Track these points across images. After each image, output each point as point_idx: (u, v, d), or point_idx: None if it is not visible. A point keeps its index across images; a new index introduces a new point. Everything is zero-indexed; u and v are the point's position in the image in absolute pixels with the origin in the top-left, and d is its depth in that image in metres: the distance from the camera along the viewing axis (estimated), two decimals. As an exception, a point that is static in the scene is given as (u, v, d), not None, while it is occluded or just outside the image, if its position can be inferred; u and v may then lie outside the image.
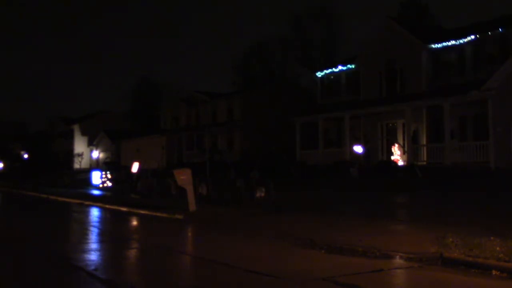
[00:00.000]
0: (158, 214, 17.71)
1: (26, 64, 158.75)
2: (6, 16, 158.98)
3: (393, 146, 27.47)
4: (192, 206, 16.97)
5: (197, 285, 7.81)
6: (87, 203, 24.21)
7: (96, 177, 35.67)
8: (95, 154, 59.05)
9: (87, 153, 62.42)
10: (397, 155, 26.75)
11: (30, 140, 74.63)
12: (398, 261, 8.92)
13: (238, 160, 37.16)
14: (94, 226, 16.21)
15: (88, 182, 36.29)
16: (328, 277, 7.72)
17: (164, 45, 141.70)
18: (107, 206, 22.20)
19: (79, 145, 64.32)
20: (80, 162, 62.29)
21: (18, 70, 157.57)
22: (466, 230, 10.65)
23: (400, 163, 26.42)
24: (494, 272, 7.69)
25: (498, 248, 8.52)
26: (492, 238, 9.37)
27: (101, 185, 34.54)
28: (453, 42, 27.65)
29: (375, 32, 32.23)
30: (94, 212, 20.72)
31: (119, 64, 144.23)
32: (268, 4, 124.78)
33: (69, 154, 64.52)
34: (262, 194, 20.77)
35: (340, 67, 34.28)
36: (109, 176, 34.97)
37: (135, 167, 28.38)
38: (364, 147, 29.28)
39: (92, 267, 8.87)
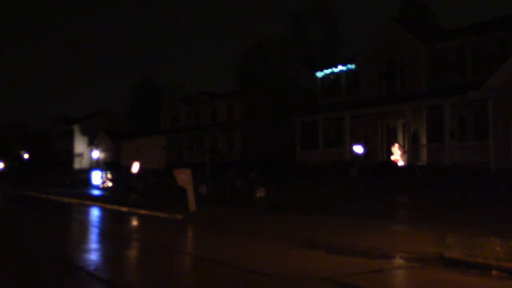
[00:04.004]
0: (158, 214, 17.71)
1: (26, 64, 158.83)
2: (6, 15, 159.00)
3: (393, 146, 27.41)
4: (192, 206, 16.97)
5: (197, 285, 7.82)
6: (87, 203, 24.23)
7: (96, 177, 35.70)
8: (95, 154, 59.07)
9: (87, 153, 62.45)
10: (397, 155, 26.70)
11: (30, 140, 74.67)
12: (398, 261, 8.92)
13: (238, 160, 37.16)
14: (94, 226, 16.22)
15: (88, 182, 36.32)
16: (328, 277, 7.72)
17: (164, 45, 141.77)
18: (107, 206, 22.21)
19: (79, 145, 64.34)
20: (80, 162, 62.29)
21: (18, 70, 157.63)
22: (466, 230, 10.66)
23: (400, 163, 26.37)
24: (494, 272, 7.69)
25: (498, 248, 8.52)
26: (492, 238, 9.37)
27: (101, 185, 34.56)
28: (453, 42, 27.65)
29: (375, 32, 32.21)
30: (94, 212, 20.73)
31: (119, 64, 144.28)
32: (268, 4, 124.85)
33: (69, 154, 64.52)
34: (262, 194, 20.75)
35: (340, 67, 34.27)
36: (109, 176, 35.00)
37: (135, 167, 28.37)
38: (364, 147, 29.26)
39: (92, 267, 8.88)
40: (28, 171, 59.37)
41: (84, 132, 64.22)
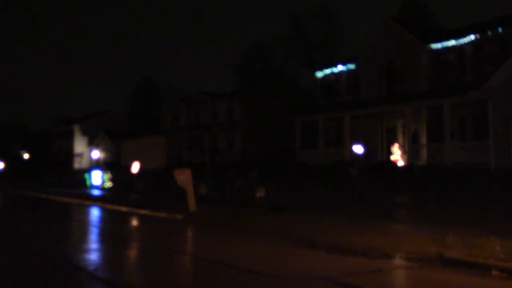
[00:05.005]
0: (158, 214, 17.72)
1: (26, 63, 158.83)
2: (6, 15, 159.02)
3: (393, 146, 27.43)
4: (192, 206, 16.97)
5: (197, 285, 7.82)
6: (87, 203, 24.23)
7: (96, 177, 35.69)
8: (95, 154, 59.15)
9: (87, 153, 62.47)
10: (397, 155, 26.70)
11: (30, 140, 74.67)
12: (398, 261, 8.92)
13: (238, 160, 37.15)
14: (94, 226, 16.22)
15: (88, 182, 36.32)
16: (328, 277, 7.73)
17: (165, 45, 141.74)
18: (107, 206, 22.20)
19: (79, 145, 64.34)
20: (80, 162, 62.28)
21: (18, 70, 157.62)
22: (466, 230, 10.66)
23: (400, 163, 26.38)
24: (494, 272, 7.70)
25: (498, 248, 8.53)
26: (492, 238, 9.37)
27: (101, 185, 34.56)
28: (453, 42, 27.65)
29: (375, 32, 32.20)
30: (94, 212, 20.73)
31: (119, 64, 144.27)
32: (269, 4, 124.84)
33: (69, 154, 64.53)
34: (262, 194, 20.77)
35: (340, 67, 34.26)
36: (109, 176, 35.00)
37: (135, 167, 28.38)
38: (364, 147, 29.25)
39: (92, 267, 8.88)
40: (28, 171, 59.36)
41: (84, 132, 64.23)
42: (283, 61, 61.66)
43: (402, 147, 27.29)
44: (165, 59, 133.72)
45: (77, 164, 63.07)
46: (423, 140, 27.57)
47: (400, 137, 29.38)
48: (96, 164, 56.32)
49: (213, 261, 9.25)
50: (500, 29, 25.80)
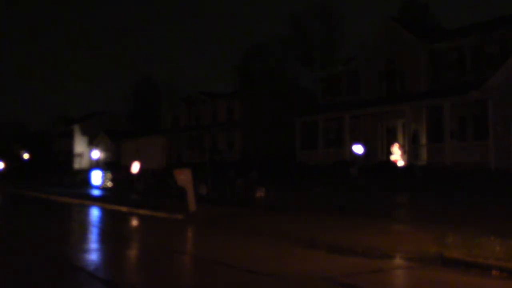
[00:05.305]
0: (158, 214, 17.71)
1: (26, 63, 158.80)
2: (5, 15, 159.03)
3: (392, 146, 27.46)
4: (192, 206, 16.97)
5: (197, 285, 7.82)
6: (87, 203, 24.22)
7: (96, 177, 35.68)
8: (95, 154, 59.10)
9: (87, 153, 62.46)
10: (397, 155, 26.73)
11: (30, 140, 74.63)
12: (398, 261, 8.92)
13: (238, 160, 37.16)
14: (94, 226, 16.22)
15: (88, 182, 36.31)
16: (328, 277, 7.73)
17: (164, 45, 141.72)
18: (107, 206, 22.20)
19: (79, 145, 64.32)
20: (80, 162, 62.28)
21: (19, 70, 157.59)
22: (466, 230, 10.66)
23: (400, 163, 26.40)
24: (494, 272, 7.70)
25: (498, 248, 8.53)
26: (492, 238, 9.37)
27: (101, 185, 34.56)
28: (453, 42, 27.64)
29: (375, 32, 32.21)
30: (94, 212, 20.73)
31: (119, 64, 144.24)
32: (269, 4, 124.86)
33: (69, 154, 64.51)
34: (262, 194, 20.78)
35: (340, 67, 34.26)
36: (109, 176, 35.00)
37: (135, 167, 28.37)
38: (364, 147, 29.25)
39: (92, 267, 8.88)
40: (28, 171, 59.32)
41: (84, 132, 64.22)
42: (283, 61, 61.66)
43: (402, 147, 27.29)
44: (165, 59, 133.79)
45: (77, 164, 63.05)
46: (423, 140, 27.57)
47: (400, 137, 29.38)
48: (96, 164, 56.28)
49: (213, 261, 9.25)
50: (500, 29, 25.80)
